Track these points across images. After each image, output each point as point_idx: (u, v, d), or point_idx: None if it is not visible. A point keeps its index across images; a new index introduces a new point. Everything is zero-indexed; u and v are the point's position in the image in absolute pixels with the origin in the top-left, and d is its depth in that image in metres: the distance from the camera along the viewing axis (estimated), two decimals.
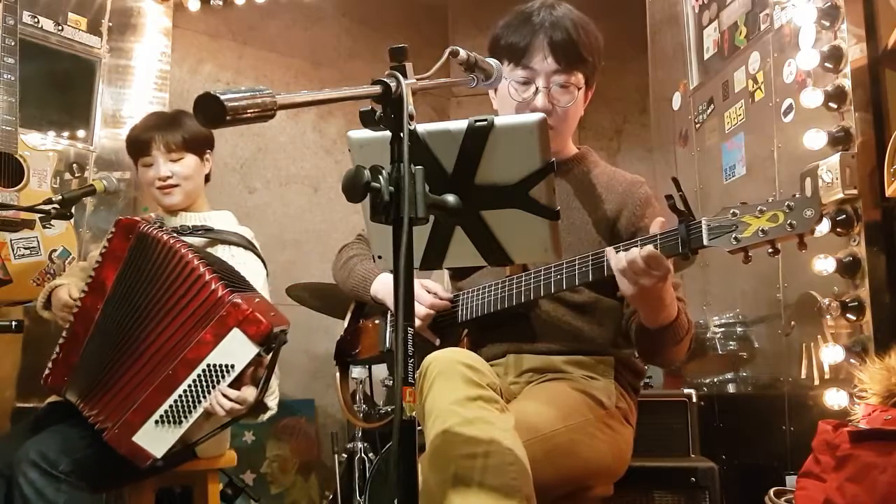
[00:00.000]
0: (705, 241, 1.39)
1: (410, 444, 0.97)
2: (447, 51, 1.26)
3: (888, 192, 1.92)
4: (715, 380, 2.89)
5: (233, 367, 1.82)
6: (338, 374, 2.05)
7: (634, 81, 4.12)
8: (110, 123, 3.37)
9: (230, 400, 1.83)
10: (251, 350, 1.82)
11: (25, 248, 2.67)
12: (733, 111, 2.76)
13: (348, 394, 2.08)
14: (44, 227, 2.68)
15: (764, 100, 2.56)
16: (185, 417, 1.83)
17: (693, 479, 2.26)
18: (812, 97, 2.16)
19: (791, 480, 1.96)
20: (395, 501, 0.97)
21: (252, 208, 4.11)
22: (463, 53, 1.29)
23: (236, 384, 1.86)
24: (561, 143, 1.77)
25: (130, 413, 1.83)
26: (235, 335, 1.81)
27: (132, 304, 1.90)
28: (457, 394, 1.31)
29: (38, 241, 2.68)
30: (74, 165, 3.22)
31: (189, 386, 1.82)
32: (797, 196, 1.36)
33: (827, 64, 2.15)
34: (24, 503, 1.74)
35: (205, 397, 1.83)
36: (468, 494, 1.21)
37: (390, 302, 1.80)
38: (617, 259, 1.43)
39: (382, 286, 1.83)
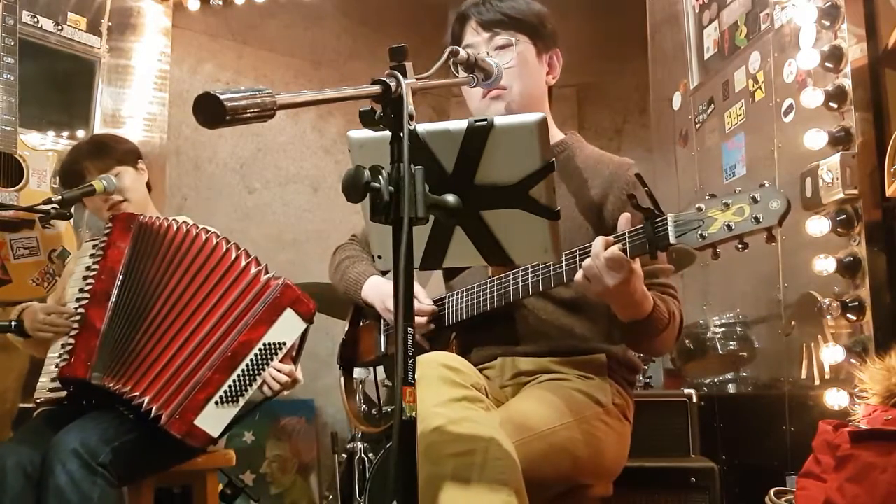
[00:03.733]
0: (672, 240, 1.31)
1: (410, 444, 0.97)
2: (447, 51, 1.26)
3: (888, 192, 1.92)
4: (715, 380, 2.89)
5: (284, 344, 1.95)
6: (342, 380, 2.03)
7: (634, 81, 4.10)
8: (110, 123, 3.36)
9: (284, 374, 1.95)
10: (301, 327, 1.97)
11: (25, 248, 2.67)
12: (733, 111, 2.76)
13: (353, 400, 2.05)
14: (43, 227, 2.68)
15: (764, 100, 2.56)
16: (242, 395, 1.91)
17: (693, 479, 2.26)
18: (812, 97, 2.16)
19: (791, 480, 1.96)
20: (395, 502, 0.97)
21: (252, 208, 4.11)
22: (463, 53, 1.29)
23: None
24: (525, 108, 1.63)
25: (193, 396, 1.86)
26: (288, 315, 1.94)
27: (155, 285, 1.97)
28: (440, 396, 1.31)
29: (37, 241, 2.68)
30: None
31: (247, 365, 1.90)
32: (765, 186, 1.25)
33: (827, 64, 2.15)
34: (58, 495, 1.71)
35: (259, 375, 1.92)
36: (457, 490, 1.21)
37: (379, 305, 1.79)
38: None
39: (371, 289, 1.82)
